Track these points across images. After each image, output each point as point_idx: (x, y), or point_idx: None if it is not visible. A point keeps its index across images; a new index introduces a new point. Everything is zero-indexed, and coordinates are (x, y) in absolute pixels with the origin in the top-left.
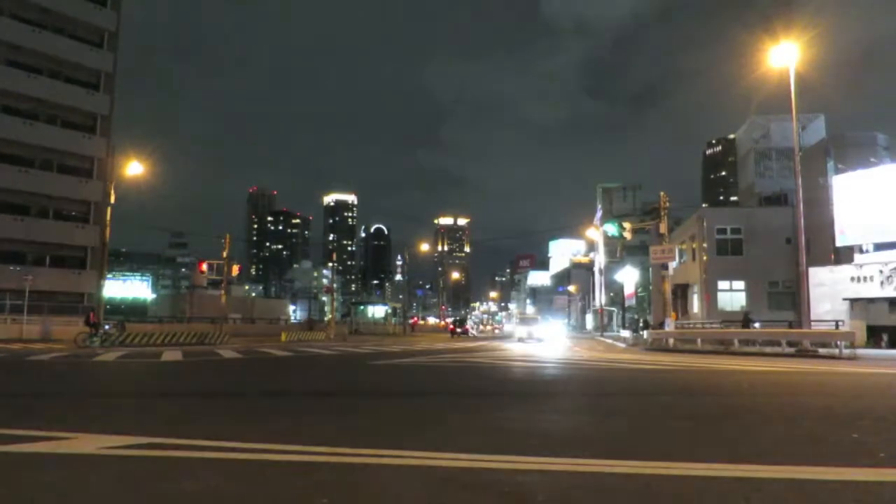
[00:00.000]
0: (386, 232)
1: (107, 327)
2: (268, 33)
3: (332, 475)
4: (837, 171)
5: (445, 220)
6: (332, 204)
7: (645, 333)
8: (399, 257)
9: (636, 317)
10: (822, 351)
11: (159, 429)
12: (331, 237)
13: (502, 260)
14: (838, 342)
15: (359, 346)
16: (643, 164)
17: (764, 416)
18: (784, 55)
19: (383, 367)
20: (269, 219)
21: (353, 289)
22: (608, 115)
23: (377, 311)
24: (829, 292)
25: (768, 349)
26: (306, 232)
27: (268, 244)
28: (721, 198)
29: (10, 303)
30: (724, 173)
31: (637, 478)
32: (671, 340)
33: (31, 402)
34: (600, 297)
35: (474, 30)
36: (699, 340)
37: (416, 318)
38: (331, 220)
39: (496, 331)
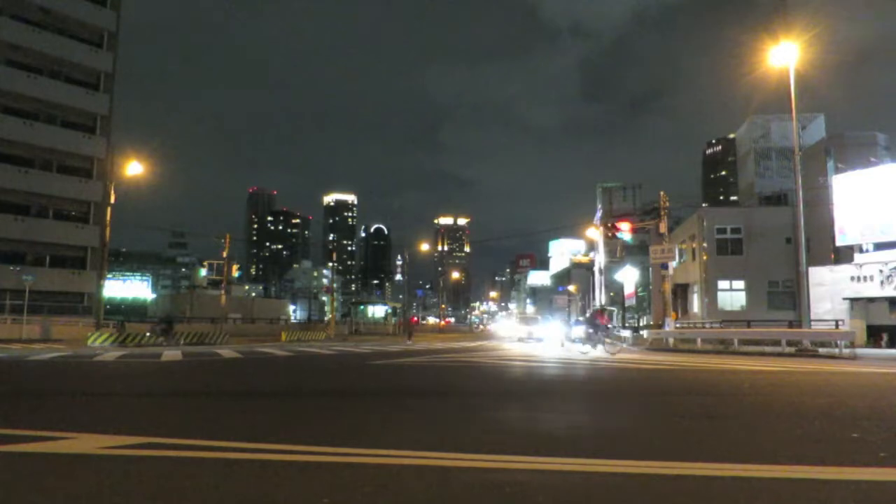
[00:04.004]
0: (386, 232)
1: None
2: (268, 34)
3: (332, 475)
4: (837, 171)
5: (445, 220)
6: (332, 204)
7: (645, 333)
8: (399, 257)
9: (636, 316)
10: (822, 350)
11: (159, 429)
12: (331, 237)
13: (502, 260)
14: (838, 342)
15: (358, 346)
16: (643, 163)
17: (764, 415)
18: (784, 55)
19: (383, 367)
20: (269, 219)
21: (353, 289)
22: (608, 115)
23: (377, 310)
24: (829, 292)
25: (768, 349)
26: (306, 232)
27: (268, 244)
28: (721, 197)
29: (10, 303)
30: (724, 173)
31: (637, 478)
32: (671, 340)
33: (31, 401)
34: (600, 297)
35: (473, 32)
36: (699, 340)
37: (414, 318)
38: (331, 220)
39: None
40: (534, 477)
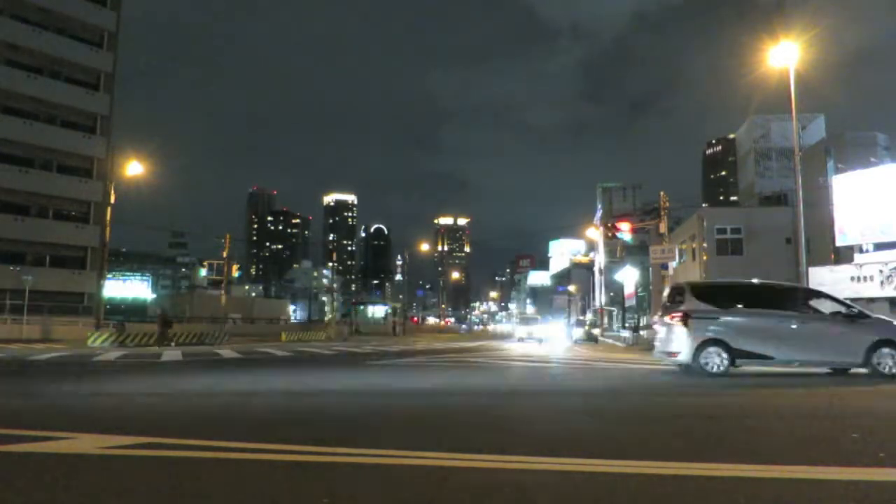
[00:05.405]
0: (386, 232)
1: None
2: (269, 34)
3: (333, 475)
4: (837, 171)
5: (445, 220)
6: (332, 204)
7: (645, 333)
8: (399, 257)
9: (636, 316)
10: None
11: (159, 429)
12: (331, 237)
13: (502, 260)
14: None
15: (359, 346)
16: (643, 164)
17: (763, 415)
18: (784, 55)
19: (383, 367)
20: (269, 219)
21: (353, 289)
22: (608, 115)
23: (377, 311)
24: (829, 292)
25: None
26: (306, 232)
27: (268, 244)
28: (721, 198)
29: (9, 303)
30: (724, 173)
31: (637, 478)
32: None
33: (31, 401)
34: (600, 297)
35: (474, 32)
36: None
37: (414, 318)
38: (331, 220)
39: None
40: (534, 477)
